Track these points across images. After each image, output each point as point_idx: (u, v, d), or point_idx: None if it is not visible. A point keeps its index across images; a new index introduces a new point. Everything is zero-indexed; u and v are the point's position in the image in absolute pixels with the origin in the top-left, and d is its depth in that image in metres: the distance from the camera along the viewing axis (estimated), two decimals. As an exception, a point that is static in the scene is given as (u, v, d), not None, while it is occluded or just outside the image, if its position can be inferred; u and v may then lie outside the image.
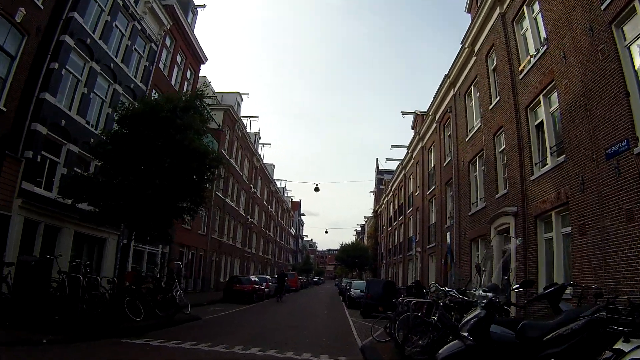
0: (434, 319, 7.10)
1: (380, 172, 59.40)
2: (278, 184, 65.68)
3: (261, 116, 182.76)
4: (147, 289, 14.10)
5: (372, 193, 67.44)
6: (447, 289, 7.68)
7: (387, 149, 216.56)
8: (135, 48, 20.11)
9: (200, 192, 13.65)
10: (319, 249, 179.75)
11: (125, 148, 12.20)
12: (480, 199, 18.09)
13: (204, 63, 28.67)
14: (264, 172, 51.84)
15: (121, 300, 11.83)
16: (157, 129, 12.02)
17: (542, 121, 13.21)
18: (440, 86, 24.39)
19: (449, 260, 18.60)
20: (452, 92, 23.00)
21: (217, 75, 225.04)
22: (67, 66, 15.50)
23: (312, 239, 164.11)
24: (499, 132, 16.26)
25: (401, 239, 37.71)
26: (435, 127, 26.27)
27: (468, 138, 19.90)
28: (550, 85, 12.39)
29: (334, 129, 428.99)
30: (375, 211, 59.82)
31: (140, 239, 14.18)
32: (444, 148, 24.53)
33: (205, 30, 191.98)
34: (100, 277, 13.69)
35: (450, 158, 22.74)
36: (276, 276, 33.31)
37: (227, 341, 9.96)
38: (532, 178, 13.19)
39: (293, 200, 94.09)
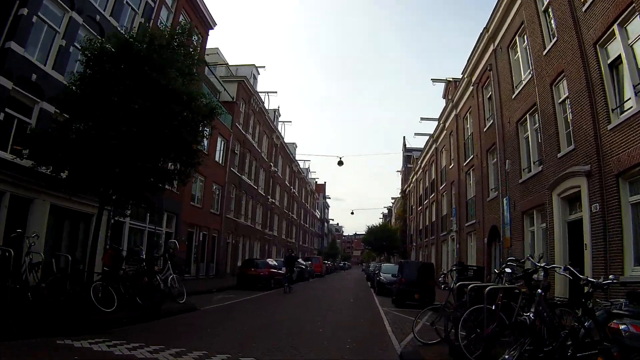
0: (527, 316, 4.30)
1: (407, 150, 56.16)
2: (301, 165, 63.23)
3: (280, 94, 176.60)
4: (133, 272, 11.77)
5: (399, 173, 64.26)
6: (546, 264, 4.78)
7: (415, 127, 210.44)
8: (127, 2, 17.67)
9: (189, 147, 10.86)
10: (345, 233, 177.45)
11: (92, 93, 9.66)
12: (534, 163, 15.06)
13: (212, 28, 26.01)
14: (284, 151, 49.31)
15: (88, 285, 9.43)
16: (129, 67, 9.44)
17: (618, 57, 10.25)
18: (476, 44, 21.34)
19: (508, 234, 15.69)
20: (491, 48, 19.94)
21: (232, 49, 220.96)
22: (39, 14, 13.13)
23: (337, 223, 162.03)
24: (558, 80, 13.26)
25: (433, 219, 34.72)
26: (472, 90, 23.11)
27: (515, 95, 16.86)
28: (628, 10, 9.55)
29: (358, 110, 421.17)
30: (403, 191, 56.67)
31: (123, 208, 11.69)
32: (483, 112, 21.40)
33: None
34: (70, 257, 11.30)
35: (492, 121, 19.67)
36: (282, 260, 27.70)
37: (210, 345, 7.33)
38: (609, 127, 10.20)
39: (317, 183, 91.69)
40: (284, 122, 48.18)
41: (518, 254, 15.43)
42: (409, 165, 54.31)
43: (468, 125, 24.59)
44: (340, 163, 26.78)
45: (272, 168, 42.63)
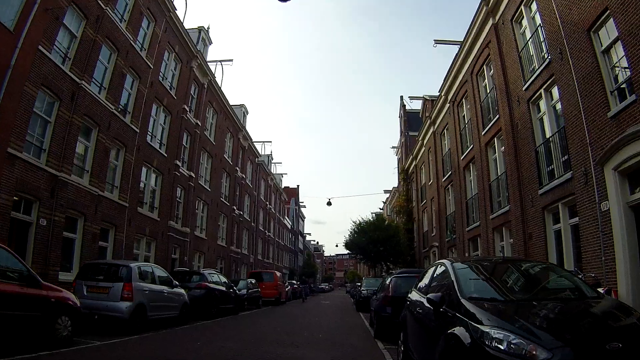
0: None
1: (407, 115, 39.33)
2: (259, 148, 45.95)
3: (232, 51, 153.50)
4: None
5: (394, 149, 46.98)
6: None
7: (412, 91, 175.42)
8: None
9: None
10: (326, 253, 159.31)
11: None
12: None
13: None
14: (223, 106, 31.69)
15: None
16: None
17: None
18: None
19: None
20: None
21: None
22: None
23: (317, 242, 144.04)
24: None
25: (491, 178, 17.37)
26: None
27: None
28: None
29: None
30: (404, 170, 38.65)
31: None
32: None
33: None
34: None
35: None
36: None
37: None
38: None
39: (289, 187, 74.13)
40: (220, 60, 30.87)
41: None
42: (410, 133, 37.25)
43: None
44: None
45: (190, 117, 24.92)
